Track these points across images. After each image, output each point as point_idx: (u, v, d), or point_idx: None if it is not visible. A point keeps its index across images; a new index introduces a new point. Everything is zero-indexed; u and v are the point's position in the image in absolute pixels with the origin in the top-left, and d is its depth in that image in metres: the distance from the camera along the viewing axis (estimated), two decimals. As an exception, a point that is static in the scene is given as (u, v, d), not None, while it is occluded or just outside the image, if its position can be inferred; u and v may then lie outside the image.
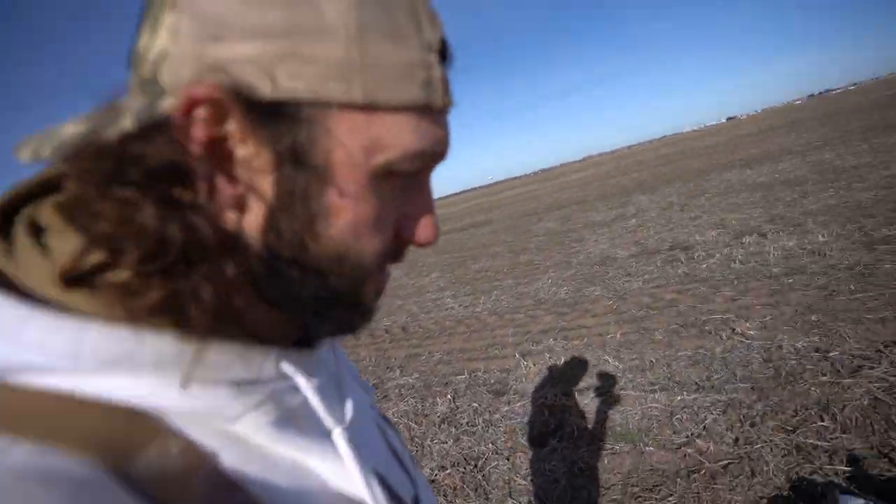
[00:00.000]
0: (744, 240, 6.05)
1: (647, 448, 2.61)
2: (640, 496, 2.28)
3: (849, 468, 2.12)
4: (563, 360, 3.99)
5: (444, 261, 11.45)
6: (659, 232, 8.03)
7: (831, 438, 2.33)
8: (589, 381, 3.55)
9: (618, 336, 4.20)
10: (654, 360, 3.59)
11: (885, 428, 2.30)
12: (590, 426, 2.94)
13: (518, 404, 3.46)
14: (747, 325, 3.76)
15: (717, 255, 5.72)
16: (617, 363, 3.69)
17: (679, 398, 3.00)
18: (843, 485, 2.03)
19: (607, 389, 3.33)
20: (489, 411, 3.48)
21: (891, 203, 6.00)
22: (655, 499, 2.24)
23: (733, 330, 3.73)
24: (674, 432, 2.70)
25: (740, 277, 4.86)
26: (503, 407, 3.48)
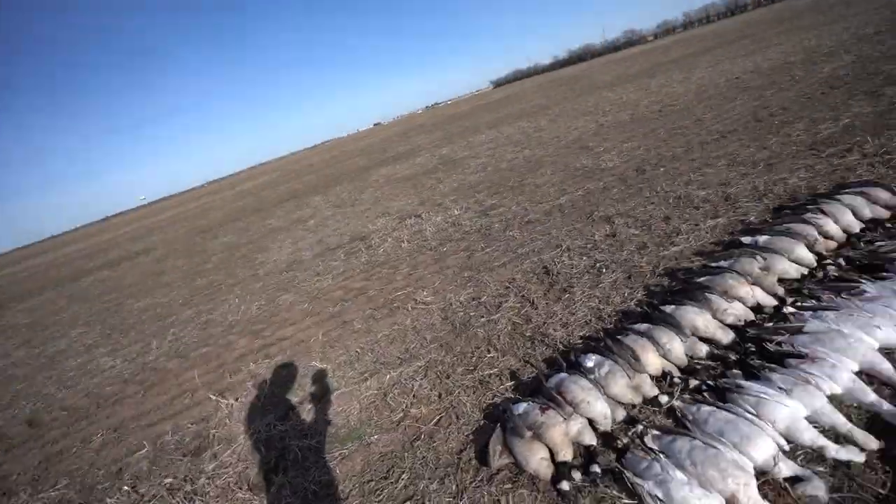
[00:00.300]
0: (406, 222, 7.02)
1: (373, 438, 2.61)
2: (376, 489, 2.25)
3: (512, 381, 2.69)
4: (269, 382, 3.59)
5: (87, 310, 8.66)
6: (337, 228, 8.42)
7: (497, 364, 2.92)
8: (301, 393, 3.31)
9: (320, 337, 4.11)
10: (359, 350, 3.67)
11: (524, 343, 3.05)
12: (314, 441, 2.73)
13: (226, 454, 2.88)
14: (425, 293, 4.33)
15: (390, 240, 6.43)
16: (325, 364, 3.59)
17: (388, 377, 3.16)
18: (512, 396, 2.56)
19: (322, 394, 3.19)
20: (190, 480, 2.77)
21: (488, 183, 8.19)
22: (391, 483, 2.25)
23: (416, 301, 4.23)
24: (391, 411, 2.81)
25: (411, 254, 5.59)
26: (208, 466, 2.83)
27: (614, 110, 11.52)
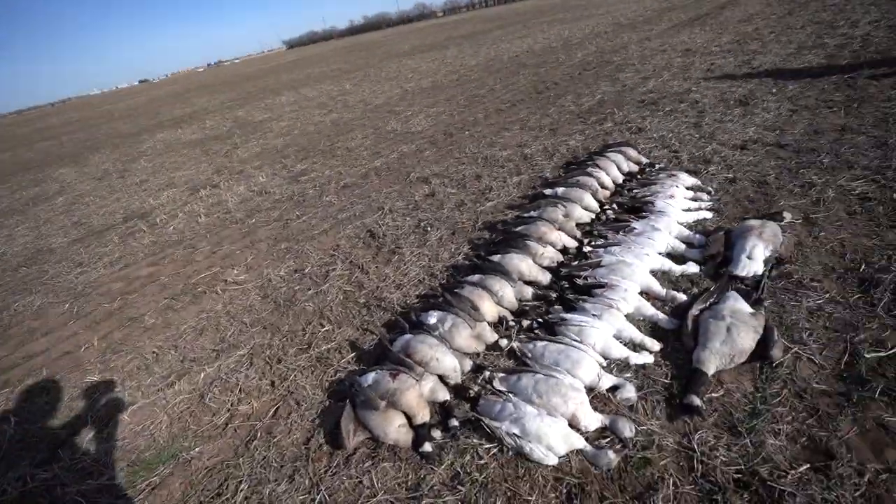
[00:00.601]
0: (200, 194, 5.94)
1: (193, 452, 2.13)
2: (205, 511, 1.85)
3: (353, 353, 2.52)
4: (14, 419, 2.61)
5: None
6: (104, 205, 6.65)
7: (334, 337, 2.69)
8: (74, 420, 2.51)
9: (95, 343, 3.18)
10: (156, 351, 2.96)
11: (359, 311, 2.88)
12: (103, 480, 2.09)
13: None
14: (235, 271, 3.74)
15: (181, 215, 5.35)
16: (108, 376, 2.79)
17: (203, 375, 2.62)
18: (357, 368, 2.39)
19: (109, 415, 2.46)
20: None
21: (295, 147, 7.50)
22: (226, 499, 1.87)
23: (226, 281, 3.62)
24: (213, 414, 2.34)
25: (212, 230, 4.76)
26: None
27: (416, 77, 11.81)
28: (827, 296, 2.21)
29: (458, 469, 1.76)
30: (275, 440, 2.10)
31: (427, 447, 1.82)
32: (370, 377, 2.12)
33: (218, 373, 2.63)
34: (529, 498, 1.62)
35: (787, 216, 2.75)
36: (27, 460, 2.28)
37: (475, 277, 2.61)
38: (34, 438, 2.44)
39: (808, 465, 1.56)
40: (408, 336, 2.30)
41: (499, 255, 2.74)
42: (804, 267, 2.42)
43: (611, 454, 1.65)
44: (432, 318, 2.36)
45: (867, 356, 1.86)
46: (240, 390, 2.46)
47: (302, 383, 2.40)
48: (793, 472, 1.54)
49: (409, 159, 5.48)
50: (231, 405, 2.38)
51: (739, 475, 1.57)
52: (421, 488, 1.73)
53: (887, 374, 1.80)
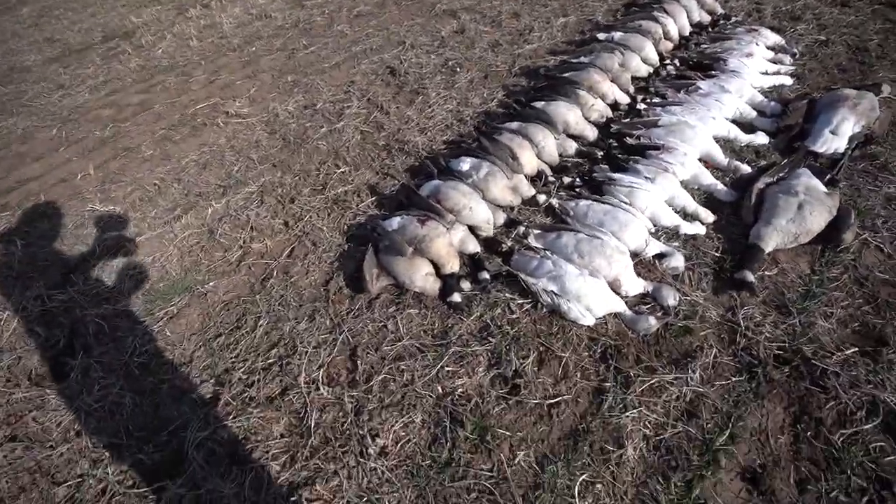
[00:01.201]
0: (190, 13, 5.15)
1: (208, 286, 2.07)
2: (229, 343, 1.83)
3: (373, 197, 2.33)
4: (19, 243, 2.50)
5: None
6: (77, 20, 5.83)
7: (351, 180, 2.48)
8: (81, 248, 2.40)
9: (91, 172, 2.94)
10: (158, 183, 2.75)
11: (379, 154, 2.62)
12: (119, 306, 2.05)
13: (-26, 339, 2.01)
14: (238, 104, 3.35)
15: (169, 36, 4.69)
16: (111, 207, 2.63)
17: (211, 210, 2.46)
18: (378, 213, 2.22)
19: (118, 244, 2.35)
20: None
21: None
22: (247, 332, 1.85)
23: (227, 114, 3.26)
24: (225, 250, 2.24)
25: (206, 56, 4.20)
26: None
27: None
28: (911, 182, 1.96)
29: (488, 321, 1.69)
30: (292, 280, 2.02)
31: (456, 297, 1.74)
32: (395, 221, 1.96)
33: (227, 209, 2.47)
34: (563, 354, 1.57)
35: (886, 89, 2.35)
36: (40, 282, 2.22)
37: (514, 125, 2.30)
38: (45, 262, 2.36)
39: (857, 349, 1.49)
40: (437, 181, 2.09)
41: (543, 102, 2.38)
42: (893, 150, 2.12)
43: (651, 319, 1.57)
44: (465, 164, 2.12)
45: (944, 247, 1.70)
46: (251, 228, 2.32)
47: (318, 225, 2.25)
48: (839, 353, 1.48)
49: (434, -12, 4.65)
50: (244, 242, 2.26)
51: (782, 351, 1.51)
52: (448, 337, 1.68)
53: (961, 269, 1.65)
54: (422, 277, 1.79)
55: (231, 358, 1.78)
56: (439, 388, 1.56)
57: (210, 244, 2.30)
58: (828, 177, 1.97)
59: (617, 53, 2.66)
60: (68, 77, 4.32)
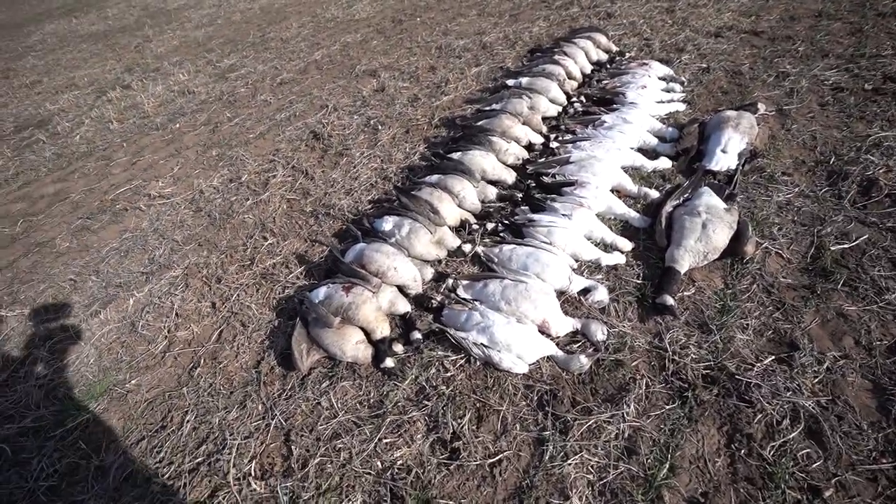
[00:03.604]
0: (109, 95, 5.07)
1: (129, 385, 1.93)
2: (153, 447, 1.69)
3: (301, 267, 2.28)
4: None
5: None
6: (-12, 113, 5.60)
7: (279, 251, 2.43)
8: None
9: None
10: (73, 278, 2.59)
11: (306, 221, 2.59)
12: (26, 423, 1.86)
13: None
14: (161, 184, 3.27)
15: (88, 121, 4.58)
16: (22, 309, 2.44)
17: (132, 301, 2.33)
18: (307, 284, 2.17)
19: (24, 355, 2.17)
20: None
21: (220, 38, 6.45)
22: (172, 431, 1.71)
23: (150, 196, 3.16)
24: (148, 343, 2.11)
25: (128, 137, 4.11)
26: None
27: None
28: (797, 189, 2.14)
29: (424, 383, 1.66)
30: (221, 366, 1.92)
31: (388, 363, 1.69)
32: (321, 292, 1.91)
33: (150, 297, 2.35)
34: (500, 408, 1.55)
35: (762, 107, 2.59)
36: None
37: (434, 178, 2.34)
38: None
39: (774, 357, 1.55)
40: (361, 245, 2.07)
41: (459, 153, 2.46)
42: (776, 160, 2.32)
43: (582, 358, 1.58)
44: (388, 224, 2.12)
45: (832, 248, 1.83)
46: (176, 315, 2.20)
47: (247, 303, 2.17)
48: (759, 364, 1.53)
49: (354, 50, 4.82)
50: (168, 331, 2.14)
51: (709, 370, 1.55)
52: (385, 405, 1.62)
53: (849, 266, 1.78)
54: (353, 346, 1.74)
55: (155, 463, 1.63)
56: (378, 462, 1.49)
57: (132, 338, 2.16)
58: (726, 192, 2.11)
59: (525, 97, 2.81)
60: (-25, 174, 4.10)
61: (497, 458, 1.44)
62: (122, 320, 2.26)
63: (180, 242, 2.67)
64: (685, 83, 3.02)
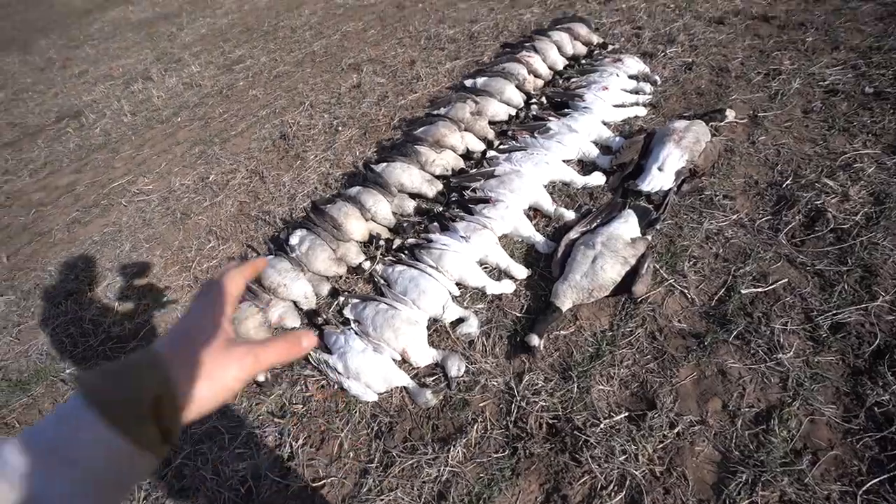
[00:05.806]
0: (133, 88, 5.46)
1: (63, 374, 2.15)
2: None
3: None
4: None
5: None
6: (41, 102, 6.22)
7: (217, 255, 2.55)
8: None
9: (5, 261, 3.12)
10: (52, 269, 2.89)
11: (248, 226, 2.69)
12: (-22, 398, 2.15)
13: None
14: (146, 180, 3.51)
15: (108, 113, 4.97)
16: (14, 294, 2.77)
17: (87, 296, 2.57)
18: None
19: (-3, 336, 2.48)
20: None
21: (240, 27, 6.67)
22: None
23: (133, 192, 3.42)
24: (89, 337, 2.33)
25: (137, 131, 4.42)
26: None
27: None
28: (734, 217, 1.92)
29: (285, 400, 1.72)
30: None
31: (260, 376, 1.76)
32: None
33: (104, 293, 2.57)
34: (339, 434, 1.57)
35: (730, 115, 2.32)
36: None
37: (354, 190, 2.34)
38: None
39: (627, 414, 1.44)
40: (268, 258, 2.13)
41: (383, 164, 2.42)
42: (725, 180, 2.09)
43: (428, 394, 1.56)
44: (294, 238, 2.17)
45: (742, 292, 1.64)
46: (115, 312, 2.41)
47: (175, 306, 2.32)
48: (607, 420, 1.44)
49: (351, 40, 4.81)
50: (107, 327, 2.35)
51: (555, 421, 1.48)
52: (248, 418, 1.70)
53: (753, 315, 1.59)
54: (230, 361, 1.82)
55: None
56: (226, 470, 1.57)
57: (78, 330, 2.39)
58: (648, 219, 1.94)
59: (469, 102, 2.69)
60: (14, 162, 4.61)
61: (321, 482, 1.47)
62: (76, 312, 2.50)
63: (143, 241, 2.88)
64: (658, 83, 2.76)
